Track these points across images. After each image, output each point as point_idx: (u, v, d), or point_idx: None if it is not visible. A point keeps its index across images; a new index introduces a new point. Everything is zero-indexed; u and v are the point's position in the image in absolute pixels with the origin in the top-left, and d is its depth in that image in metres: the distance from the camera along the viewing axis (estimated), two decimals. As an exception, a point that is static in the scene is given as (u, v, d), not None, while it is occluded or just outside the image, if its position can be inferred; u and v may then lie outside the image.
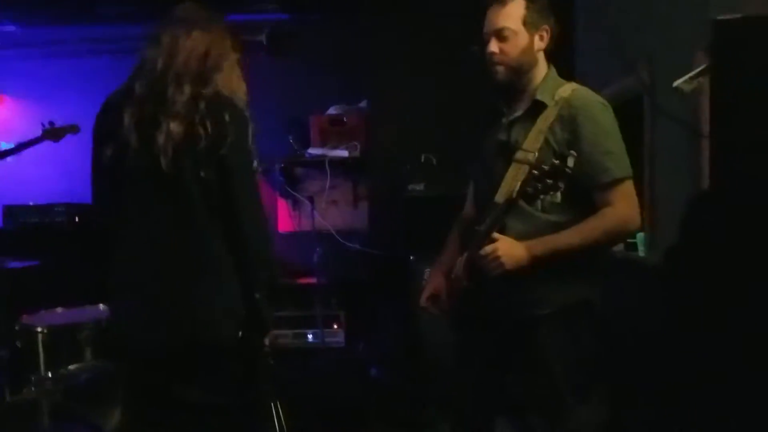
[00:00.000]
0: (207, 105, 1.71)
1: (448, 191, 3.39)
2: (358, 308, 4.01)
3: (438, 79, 3.75)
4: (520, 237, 1.83)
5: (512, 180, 1.81)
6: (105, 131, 1.76)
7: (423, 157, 3.61)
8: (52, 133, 3.42)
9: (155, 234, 1.74)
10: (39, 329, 2.80)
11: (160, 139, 1.68)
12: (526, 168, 1.80)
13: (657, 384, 2.38)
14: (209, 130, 1.69)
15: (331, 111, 4.26)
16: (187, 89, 1.72)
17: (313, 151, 4.17)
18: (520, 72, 1.93)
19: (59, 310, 3.06)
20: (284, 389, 3.40)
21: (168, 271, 1.73)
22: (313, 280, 4.01)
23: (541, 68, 1.96)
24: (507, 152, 1.89)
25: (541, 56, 1.96)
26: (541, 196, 1.75)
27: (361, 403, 3.53)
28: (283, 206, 4.37)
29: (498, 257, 1.79)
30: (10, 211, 4.11)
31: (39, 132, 3.44)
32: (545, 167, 1.69)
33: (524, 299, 1.89)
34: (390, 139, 3.87)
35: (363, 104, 4.19)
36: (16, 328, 2.89)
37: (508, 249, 1.80)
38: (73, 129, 3.35)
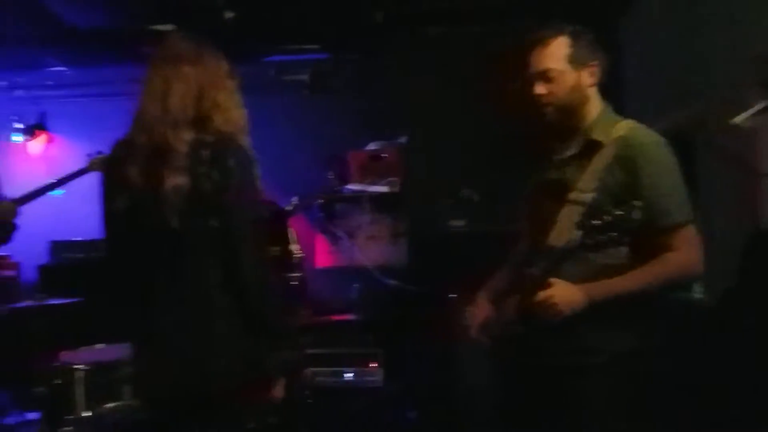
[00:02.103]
0: (211, 153, 1.69)
1: (490, 228, 3.33)
2: (397, 347, 3.92)
3: (479, 114, 3.71)
4: (574, 280, 1.75)
5: (566, 221, 1.74)
6: (113, 185, 1.77)
7: (464, 193, 3.54)
8: (99, 163, 3.41)
9: (166, 287, 1.73)
10: (78, 366, 2.79)
11: (168, 194, 1.67)
12: (580, 209, 1.73)
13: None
14: (215, 179, 1.67)
15: (371, 147, 4.26)
16: (186, 136, 1.70)
17: (352, 186, 4.16)
18: (570, 111, 1.88)
19: (99, 347, 3.05)
20: (322, 430, 3.33)
21: (179, 323, 1.73)
22: (350, 317, 3.95)
23: (594, 105, 1.90)
24: (560, 192, 1.83)
25: (593, 92, 1.90)
26: (605, 249, 1.66)
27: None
28: (321, 242, 4.35)
29: (555, 304, 1.71)
30: (56, 246, 4.17)
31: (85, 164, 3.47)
32: (608, 218, 1.60)
33: (576, 346, 1.81)
34: (430, 175, 3.82)
35: (402, 140, 4.18)
36: (56, 365, 2.90)
37: (565, 295, 1.72)
38: None
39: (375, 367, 3.90)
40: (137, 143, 1.74)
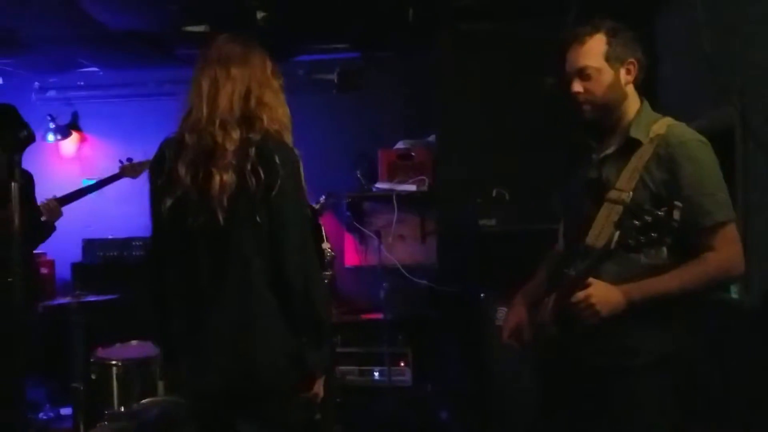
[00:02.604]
0: (257, 151, 1.71)
1: (521, 227, 3.30)
2: (426, 346, 3.92)
3: (509, 112, 3.68)
4: (614, 280, 1.72)
5: (605, 221, 1.72)
6: (162, 183, 1.78)
7: (495, 192, 3.51)
8: (131, 169, 3.52)
9: (213, 284, 1.75)
10: (113, 362, 2.84)
11: (215, 191, 1.69)
12: (619, 208, 1.71)
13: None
14: (262, 176, 1.69)
15: (399, 145, 4.26)
16: (235, 135, 1.72)
17: (380, 185, 4.16)
18: (608, 109, 1.85)
19: (134, 343, 3.10)
20: (352, 429, 3.34)
21: (226, 320, 1.74)
22: (379, 316, 3.95)
23: (633, 103, 1.87)
24: (598, 191, 1.80)
25: (631, 90, 1.88)
26: (644, 250, 1.63)
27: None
28: (349, 240, 4.36)
29: (592, 304, 1.68)
30: (90, 244, 4.25)
31: (117, 169, 3.57)
32: (648, 218, 1.57)
33: (615, 347, 1.78)
34: (459, 173, 3.79)
35: (431, 138, 4.17)
36: (92, 360, 2.95)
37: (603, 295, 1.69)
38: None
39: (403, 366, 3.90)
40: (186, 143, 1.76)
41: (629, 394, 1.77)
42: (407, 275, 4.04)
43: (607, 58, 1.83)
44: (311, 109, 4.43)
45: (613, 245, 1.63)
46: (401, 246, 4.21)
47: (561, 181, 2.07)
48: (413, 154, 4.17)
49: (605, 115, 1.86)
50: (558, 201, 2.05)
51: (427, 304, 3.99)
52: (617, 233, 1.61)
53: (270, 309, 1.74)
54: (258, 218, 1.70)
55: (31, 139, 1.72)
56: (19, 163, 1.69)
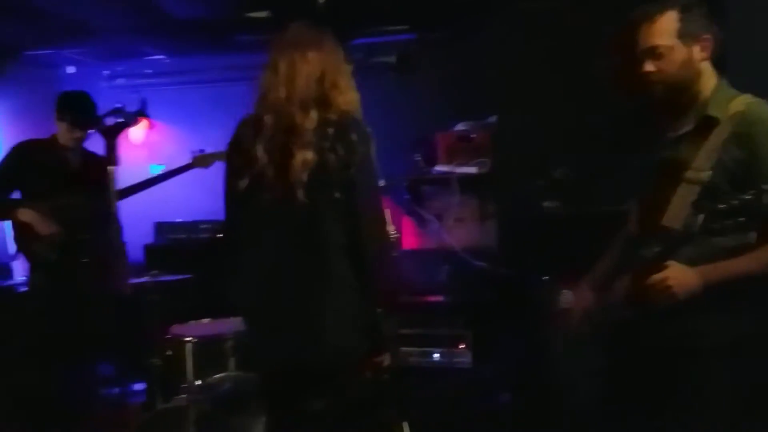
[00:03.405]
0: (335, 129, 1.76)
1: (585, 209, 3.25)
2: (486, 329, 3.91)
3: (571, 92, 3.60)
4: (690, 262, 1.69)
5: (681, 201, 1.68)
6: (239, 162, 1.83)
7: (558, 173, 3.46)
8: (202, 160, 3.65)
9: (289, 259, 1.80)
10: (188, 339, 2.96)
11: (295, 168, 1.73)
12: (696, 189, 1.67)
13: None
14: (340, 153, 1.73)
15: (459, 127, 4.23)
16: (313, 115, 1.77)
17: (440, 168, 4.15)
18: (681, 87, 1.81)
19: (206, 321, 3.22)
20: (412, 411, 3.38)
21: (301, 294, 1.79)
22: (439, 298, 3.96)
23: (708, 80, 1.82)
24: (673, 170, 1.76)
25: (706, 67, 1.83)
26: (730, 234, 1.59)
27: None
28: (408, 224, 4.37)
29: (669, 287, 1.66)
30: (161, 227, 4.44)
31: (189, 158, 3.69)
32: (735, 202, 1.53)
33: (687, 329, 1.75)
34: (521, 155, 3.75)
35: (492, 119, 4.12)
36: (167, 337, 3.08)
37: (680, 277, 1.66)
38: (222, 156, 3.52)
39: (463, 348, 3.91)
40: (264, 122, 1.81)
41: (700, 377, 1.75)
42: (467, 258, 4.03)
43: (680, 36, 1.79)
44: (369, 93, 4.40)
45: (697, 228, 1.60)
46: (460, 229, 4.19)
47: (629, 161, 2.04)
48: (473, 136, 4.13)
49: (678, 94, 1.82)
50: (629, 181, 2.02)
51: (487, 287, 3.98)
52: (701, 216, 1.57)
53: (344, 284, 1.78)
54: (335, 193, 1.74)
55: (127, 123, 1.80)
56: (116, 147, 1.76)
